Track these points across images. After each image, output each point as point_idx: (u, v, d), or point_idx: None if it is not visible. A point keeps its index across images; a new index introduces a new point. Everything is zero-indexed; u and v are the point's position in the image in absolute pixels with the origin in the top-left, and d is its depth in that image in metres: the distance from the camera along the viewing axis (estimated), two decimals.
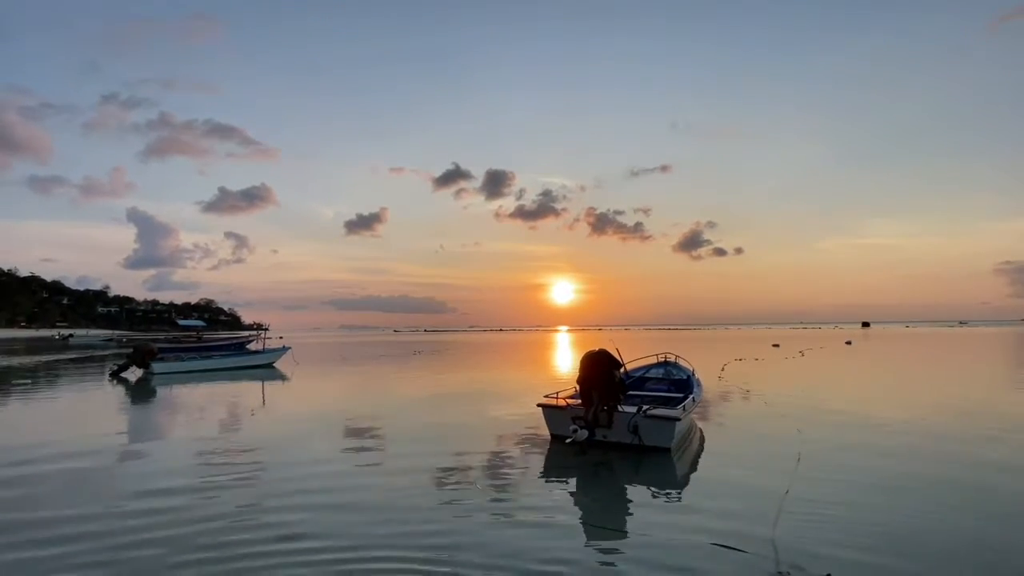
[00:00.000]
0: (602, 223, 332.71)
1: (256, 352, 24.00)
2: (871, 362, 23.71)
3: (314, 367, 23.35)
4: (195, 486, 5.78)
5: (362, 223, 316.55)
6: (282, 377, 18.86)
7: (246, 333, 47.97)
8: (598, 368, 7.55)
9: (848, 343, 40.24)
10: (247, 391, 15.23)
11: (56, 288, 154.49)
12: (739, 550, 3.98)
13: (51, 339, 75.48)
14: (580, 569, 3.75)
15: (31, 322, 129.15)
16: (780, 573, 3.61)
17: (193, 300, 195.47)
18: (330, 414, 10.84)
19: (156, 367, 19.92)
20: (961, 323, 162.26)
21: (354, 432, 8.86)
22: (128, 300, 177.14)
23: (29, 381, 17.38)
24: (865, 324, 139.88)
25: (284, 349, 25.41)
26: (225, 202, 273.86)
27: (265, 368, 22.15)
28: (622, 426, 7.21)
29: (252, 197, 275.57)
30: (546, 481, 6.02)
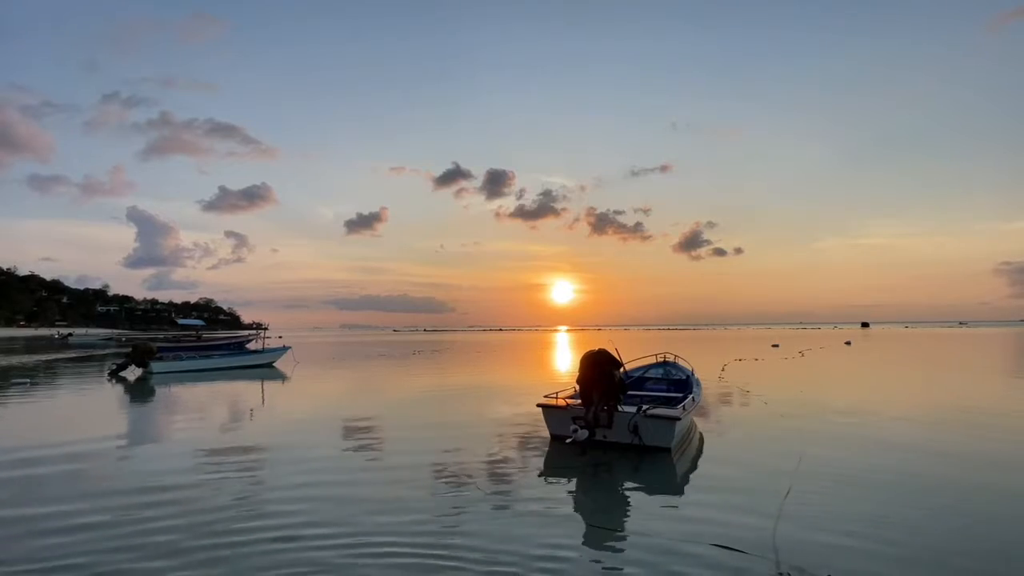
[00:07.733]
0: (602, 223, 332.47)
1: (256, 352, 23.91)
2: (871, 363, 23.69)
3: (314, 366, 23.31)
4: (194, 483, 5.75)
5: (362, 222, 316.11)
6: (282, 377, 18.82)
7: (245, 332, 47.76)
8: (598, 368, 7.51)
9: (848, 343, 40.25)
10: (246, 390, 15.21)
11: (55, 287, 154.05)
12: (739, 551, 3.96)
13: (50, 338, 75.35)
14: (579, 569, 3.73)
15: (30, 321, 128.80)
16: (781, 574, 3.60)
17: (193, 299, 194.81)
18: (330, 413, 10.81)
19: (155, 366, 19.90)
20: (961, 323, 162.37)
21: (354, 431, 8.84)
22: (127, 299, 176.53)
23: (28, 380, 17.34)
24: (864, 324, 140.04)
25: (284, 348, 25.35)
26: (225, 201, 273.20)
27: (265, 368, 22.13)
28: (622, 426, 7.19)
29: (252, 196, 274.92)
30: (546, 481, 6.00)
